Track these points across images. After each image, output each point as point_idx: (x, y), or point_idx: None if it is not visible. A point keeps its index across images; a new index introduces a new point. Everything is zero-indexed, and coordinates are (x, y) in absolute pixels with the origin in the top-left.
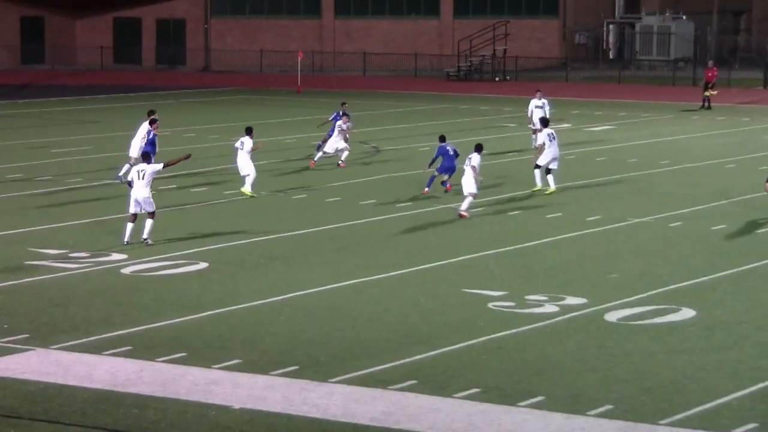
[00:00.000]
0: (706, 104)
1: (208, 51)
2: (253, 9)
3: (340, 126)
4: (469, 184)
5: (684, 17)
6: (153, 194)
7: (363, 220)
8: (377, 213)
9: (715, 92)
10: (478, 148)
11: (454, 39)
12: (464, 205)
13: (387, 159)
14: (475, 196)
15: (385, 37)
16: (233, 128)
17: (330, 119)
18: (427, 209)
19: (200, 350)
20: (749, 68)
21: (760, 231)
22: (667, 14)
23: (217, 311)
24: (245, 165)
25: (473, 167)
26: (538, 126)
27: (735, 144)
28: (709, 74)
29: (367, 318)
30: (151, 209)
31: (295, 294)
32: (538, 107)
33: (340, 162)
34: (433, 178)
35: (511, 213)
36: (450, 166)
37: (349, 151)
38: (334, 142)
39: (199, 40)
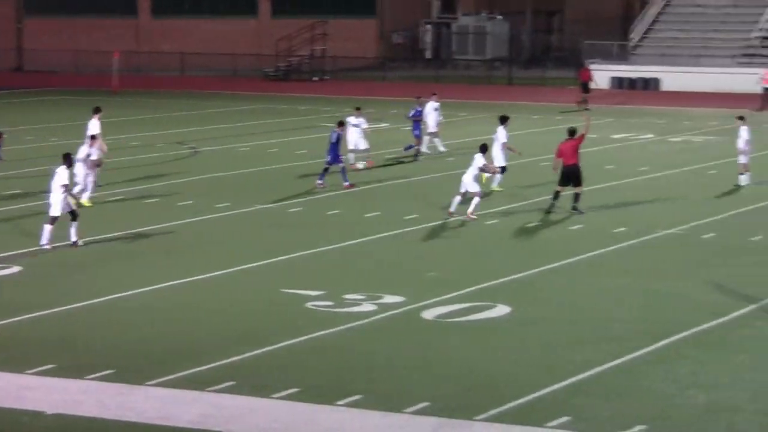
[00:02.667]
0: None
1: (21, 51)
2: (68, 8)
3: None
4: (471, 184)
5: (499, 17)
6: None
7: (181, 221)
8: (196, 214)
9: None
10: (483, 149)
11: (272, 39)
12: (471, 206)
13: (206, 159)
14: (480, 195)
15: (204, 36)
16: (49, 129)
17: (410, 116)
18: (245, 210)
19: (14, 355)
20: (562, 68)
21: (572, 228)
22: (483, 14)
23: (32, 315)
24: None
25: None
26: None
27: (547, 142)
28: (585, 74)
29: (185, 320)
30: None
31: (113, 297)
32: None
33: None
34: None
35: (329, 213)
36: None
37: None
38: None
39: (10, 39)
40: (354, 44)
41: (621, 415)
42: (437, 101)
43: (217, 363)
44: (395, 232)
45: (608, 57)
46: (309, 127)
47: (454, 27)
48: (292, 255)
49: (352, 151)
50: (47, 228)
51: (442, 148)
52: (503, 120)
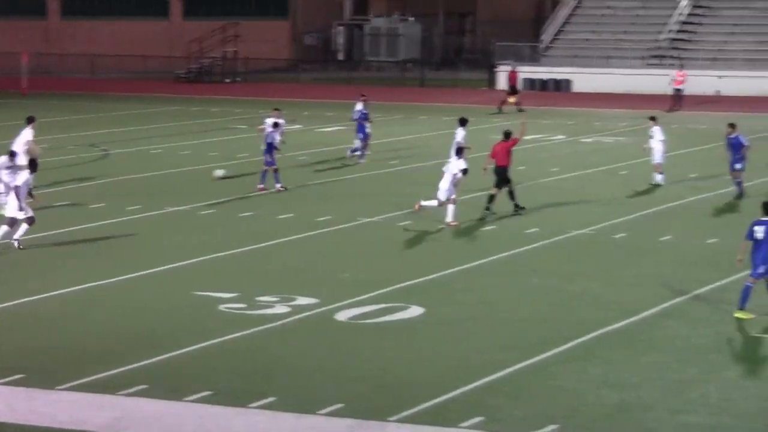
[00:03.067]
0: (513, 107)
1: None
2: None
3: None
4: (450, 189)
5: (411, 19)
6: None
7: (92, 224)
8: (107, 217)
9: (513, 100)
10: (459, 152)
11: (184, 40)
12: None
13: (117, 162)
14: (454, 201)
15: (114, 38)
16: None
17: (354, 119)
18: (156, 212)
19: None
20: (474, 69)
21: (485, 229)
22: (395, 16)
23: None
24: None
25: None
26: None
27: None
28: (513, 76)
29: (97, 323)
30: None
31: (23, 300)
32: None
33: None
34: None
35: (242, 214)
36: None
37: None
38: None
39: None
40: (266, 46)
41: (533, 414)
42: (364, 102)
43: (129, 366)
44: (309, 233)
45: (520, 58)
46: (221, 129)
47: (367, 29)
48: (204, 257)
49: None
50: (24, 227)
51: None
52: (463, 122)
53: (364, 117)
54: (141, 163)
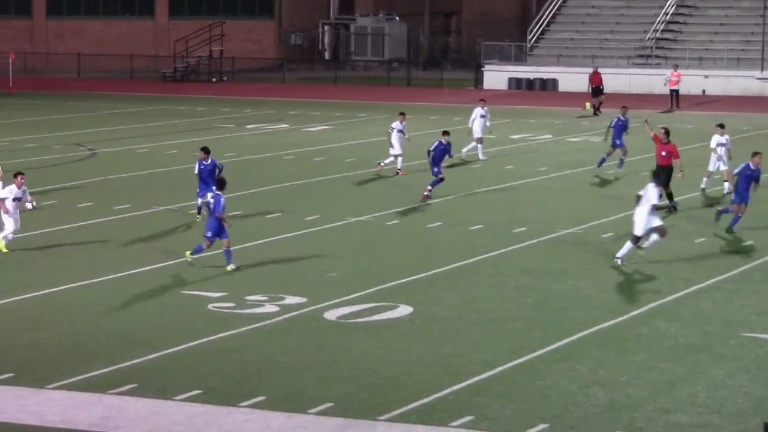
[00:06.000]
0: (596, 111)
1: None
2: None
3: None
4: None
5: (397, 18)
6: None
7: (79, 224)
8: (94, 216)
9: (599, 100)
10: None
11: (169, 40)
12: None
13: (104, 161)
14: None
15: (99, 37)
16: None
17: (611, 126)
18: (143, 212)
19: None
20: (460, 69)
21: (473, 228)
22: (381, 15)
23: None
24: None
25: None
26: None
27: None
28: (596, 78)
29: (86, 322)
30: None
31: (10, 300)
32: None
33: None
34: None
35: (230, 214)
36: None
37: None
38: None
39: None
40: (252, 45)
41: (523, 413)
42: (484, 107)
43: (119, 365)
44: (296, 233)
45: (506, 58)
46: (207, 128)
47: (353, 28)
48: (193, 257)
49: (396, 155)
50: (628, 246)
51: (482, 156)
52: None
53: (624, 127)
54: (128, 163)
